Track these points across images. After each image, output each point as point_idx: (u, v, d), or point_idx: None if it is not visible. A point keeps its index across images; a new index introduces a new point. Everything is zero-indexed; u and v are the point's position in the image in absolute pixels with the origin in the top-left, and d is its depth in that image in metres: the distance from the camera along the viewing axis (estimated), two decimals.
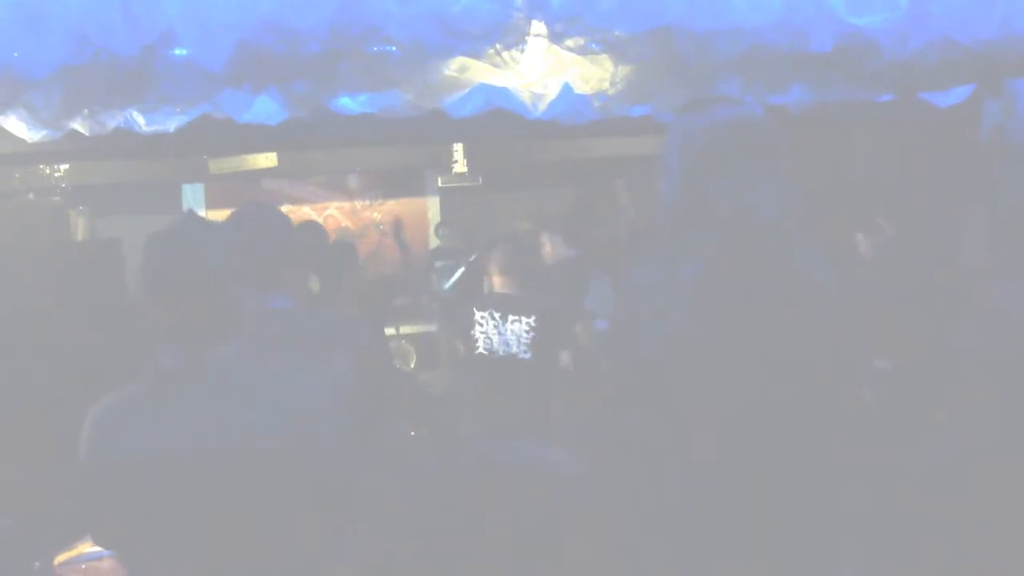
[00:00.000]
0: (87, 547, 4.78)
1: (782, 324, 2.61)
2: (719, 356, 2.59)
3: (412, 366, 10.80)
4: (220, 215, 11.73)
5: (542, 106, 5.77)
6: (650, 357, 2.67)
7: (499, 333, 6.58)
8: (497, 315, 6.58)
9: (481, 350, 6.60)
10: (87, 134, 5.61)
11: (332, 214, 12.43)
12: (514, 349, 6.51)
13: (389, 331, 10.90)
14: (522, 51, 4.96)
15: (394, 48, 4.85)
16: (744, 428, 2.60)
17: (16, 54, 4.18)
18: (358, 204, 12.52)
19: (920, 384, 3.90)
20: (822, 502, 2.66)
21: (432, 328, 10.58)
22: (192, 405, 2.58)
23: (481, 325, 6.61)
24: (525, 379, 6.51)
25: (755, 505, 2.60)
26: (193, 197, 11.98)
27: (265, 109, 5.70)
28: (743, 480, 2.61)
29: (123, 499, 2.57)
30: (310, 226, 8.10)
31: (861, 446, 2.79)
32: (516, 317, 6.51)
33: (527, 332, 6.48)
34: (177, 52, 4.61)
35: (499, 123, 6.38)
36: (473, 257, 8.80)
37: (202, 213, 11.92)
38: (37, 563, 4.47)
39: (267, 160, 9.85)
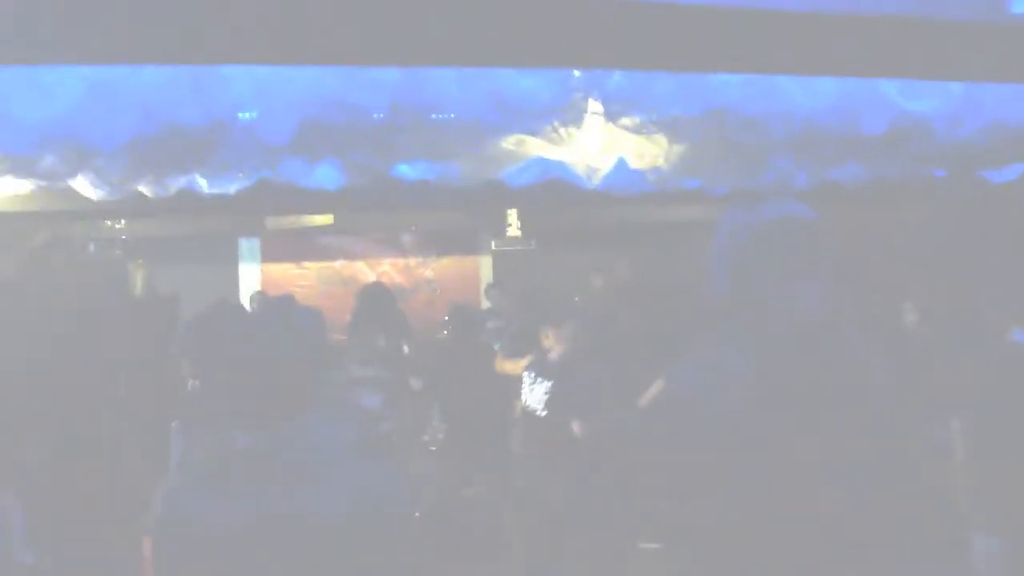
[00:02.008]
0: None
1: (832, 420, 2.65)
2: (768, 451, 2.63)
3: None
4: (277, 269, 11.97)
5: (597, 178, 5.85)
6: (699, 451, 2.71)
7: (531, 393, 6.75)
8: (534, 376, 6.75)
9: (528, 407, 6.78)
10: (150, 196, 5.75)
11: (386, 270, 12.54)
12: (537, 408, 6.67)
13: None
14: (579, 128, 5.06)
15: (452, 120, 4.97)
16: (797, 522, 2.63)
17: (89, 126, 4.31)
18: (412, 261, 12.64)
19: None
20: None
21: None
22: (263, 483, 2.66)
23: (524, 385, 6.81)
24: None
25: None
26: (250, 251, 12.15)
27: (325, 175, 5.81)
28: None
29: (195, 570, 2.65)
30: (376, 288, 8.28)
31: (916, 537, 2.81)
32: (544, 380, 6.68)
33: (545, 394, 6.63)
34: (243, 122, 4.75)
35: (554, 192, 6.45)
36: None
37: (258, 267, 12.09)
38: None
39: (323, 218, 9.99)
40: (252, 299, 10.61)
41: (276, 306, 2.92)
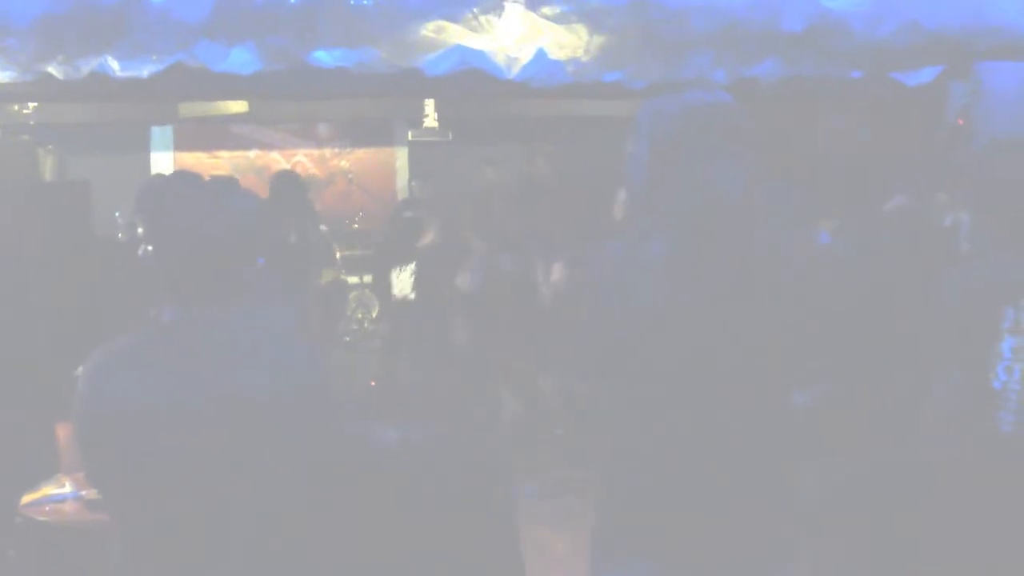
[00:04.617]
0: (52, 489, 4.86)
1: (746, 306, 2.69)
2: (682, 337, 2.67)
3: (374, 315, 10.84)
4: (190, 158, 11.80)
5: (516, 69, 5.82)
6: (615, 336, 2.75)
7: None
8: None
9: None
10: (61, 78, 5.61)
11: (300, 160, 12.40)
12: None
13: (353, 280, 10.96)
14: (499, 16, 5.04)
15: (371, 4, 4.92)
16: (708, 406, 2.68)
17: None
18: (327, 152, 12.51)
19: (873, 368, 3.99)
20: (781, 481, 2.75)
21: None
22: (190, 359, 2.67)
23: None
24: None
25: (716, 479, 2.69)
26: (162, 140, 11.94)
27: (240, 60, 5.71)
28: (702, 455, 2.69)
29: (118, 446, 2.66)
30: (288, 176, 8.25)
31: (820, 425, 2.87)
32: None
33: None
34: (156, 2, 4.66)
35: (472, 82, 6.41)
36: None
37: (170, 156, 11.90)
38: None
39: (238, 106, 9.85)
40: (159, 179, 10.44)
41: (220, 186, 2.91)
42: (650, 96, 2.90)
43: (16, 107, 8.89)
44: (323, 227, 8.66)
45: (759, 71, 5.91)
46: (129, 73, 5.65)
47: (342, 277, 10.88)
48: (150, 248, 2.75)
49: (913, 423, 3.68)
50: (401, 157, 12.44)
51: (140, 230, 4.91)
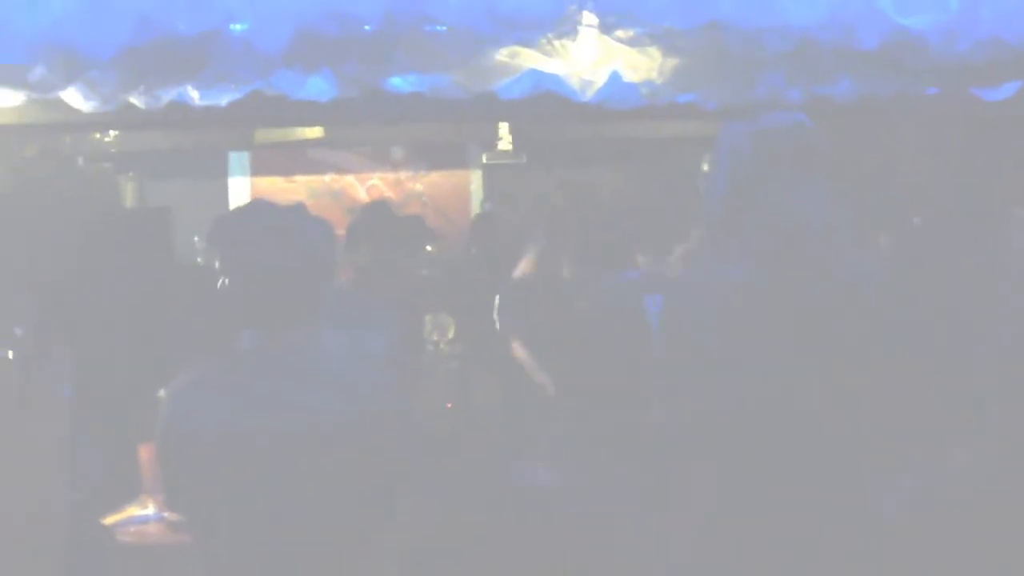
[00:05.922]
0: (135, 510, 4.95)
1: (828, 329, 2.68)
2: (765, 361, 2.66)
3: (450, 337, 10.86)
4: (267, 182, 11.94)
5: (590, 92, 5.85)
6: (696, 363, 2.74)
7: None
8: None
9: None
10: (142, 107, 5.73)
11: (375, 184, 12.50)
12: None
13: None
14: (573, 40, 5.09)
15: (446, 31, 4.99)
16: (788, 431, 2.67)
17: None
18: (401, 175, 12.60)
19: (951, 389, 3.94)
20: (862, 503, 2.74)
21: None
22: (270, 383, 2.72)
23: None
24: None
25: (792, 505, 2.68)
26: (239, 165, 12.09)
27: (317, 87, 5.79)
28: (781, 484, 2.68)
29: (200, 470, 2.71)
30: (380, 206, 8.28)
31: (906, 449, 2.85)
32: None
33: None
34: (236, 31, 4.76)
35: (546, 105, 6.45)
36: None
37: (247, 180, 12.06)
38: None
39: (313, 131, 9.94)
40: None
41: (291, 212, 2.96)
42: (725, 117, 2.90)
43: (98, 136, 9.06)
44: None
45: (833, 90, 5.89)
46: (208, 102, 5.75)
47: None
48: (227, 280, 2.81)
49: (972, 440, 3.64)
50: (475, 180, 12.51)
51: (216, 262, 5.01)
